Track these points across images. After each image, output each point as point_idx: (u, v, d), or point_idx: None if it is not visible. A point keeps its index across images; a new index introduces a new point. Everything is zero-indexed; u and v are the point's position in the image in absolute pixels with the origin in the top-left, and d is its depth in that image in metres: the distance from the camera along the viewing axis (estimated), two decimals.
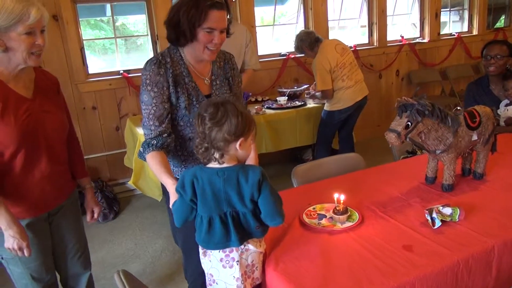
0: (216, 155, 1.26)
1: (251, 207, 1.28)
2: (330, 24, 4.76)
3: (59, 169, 1.67)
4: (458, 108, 1.73)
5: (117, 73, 3.83)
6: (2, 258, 1.60)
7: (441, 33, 5.43)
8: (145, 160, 1.64)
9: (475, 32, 5.66)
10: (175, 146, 1.71)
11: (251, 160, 1.92)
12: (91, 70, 3.81)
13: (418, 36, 5.38)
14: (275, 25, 4.71)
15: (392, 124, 1.61)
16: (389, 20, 5.15)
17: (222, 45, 2.54)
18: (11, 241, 1.49)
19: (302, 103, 3.82)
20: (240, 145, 1.27)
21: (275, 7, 4.59)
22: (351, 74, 3.50)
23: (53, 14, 3.45)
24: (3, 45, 1.41)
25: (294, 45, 3.66)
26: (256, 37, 4.34)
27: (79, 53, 3.62)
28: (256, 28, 4.33)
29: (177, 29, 1.59)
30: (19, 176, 1.54)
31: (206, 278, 1.35)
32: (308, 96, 3.87)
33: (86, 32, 4.10)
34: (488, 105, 2.74)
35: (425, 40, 5.30)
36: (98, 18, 4.27)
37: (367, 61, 4.93)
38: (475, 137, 1.71)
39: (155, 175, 1.62)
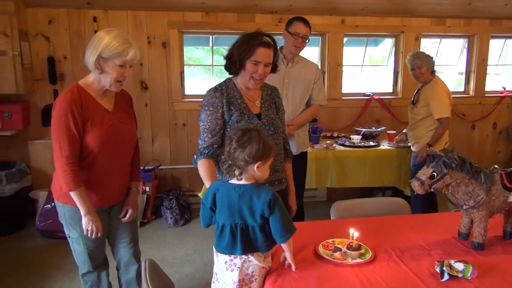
0: (236, 172, 1.48)
1: (261, 222, 1.46)
2: None
3: (126, 170, 2.04)
4: (496, 166, 1.68)
5: None
6: (69, 236, 1.99)
7: None
8: (196, 165, 1.93)
9: None
10: None
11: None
12: (188, 92, 4.33)
13: None
14: (363, 65, 4.79)
15: (418, 173, 1.65)
16: (491, 69, 4.87)
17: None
18: (90, 224, 1.87)
19: (376, 144, 3.83)
20: (257, 167, 1.46)
21: (365, 49, 4.70)
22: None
23: (163, 41, 4.06)
24: (101, 68, 1.83)
25: (411, 57, 3.37)
26: (342, 75, 4.49)
27: (178, 76, 4.15)
28: (344, 67, 4.48)
29: (231, 60, 1.94)
30: (97, 173, 1.93)
31: (213, 275, 1.56)
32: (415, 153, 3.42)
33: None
34: None
35: None
36: (208, 47, 4.82)
37: (459, 110, 4.71)
38: None
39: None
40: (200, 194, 3.52)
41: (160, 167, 4.21)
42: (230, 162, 1.47)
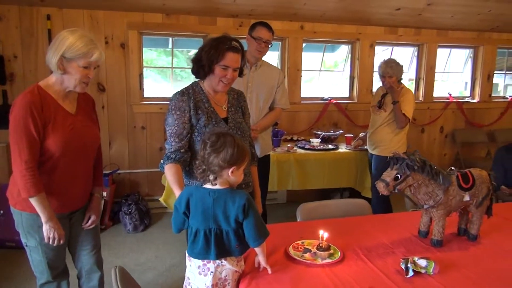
0: (211, 177, 1.47)
1: (235, 226, 1.46)
2: (376, 75, 4.90)
3: (88, 175, 1.97)
4: (452, 168, 1.80)
5: (168, 99, 4.21)
6: (26, 245, 1.89)
7: (492, 94, 5.34)
8: (163, 170, 1.90)
9: None
10: (193, 162, 1.95)
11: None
12: (147, 94, 4.24)
13: (468, 95, 5.34)
14: (321, 70, 4.93)
15: (383, 174, 1.73)
16: (438, 76, 5.18)
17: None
18: (51, 231, 1.79)
19: (335, 147, 3.95)
20: (232, 172, 1.47)
21: (323, 54, 4.84)
22: None
23: (121, 42, 3.95)
24: (63, 69, 1.75)
25: (384, 65, 3.41)
26: (301, 80, 4.59)
27: (137, 78, 4.06)
28: (302, 71, 4.58)
29: (199, 64, 1.93)
30: (59, 178, 1.84)
31: (185, 279, 1.54)
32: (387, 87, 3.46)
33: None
34: None
35: (475, 100, 5.24)
36: (161, 49, 4.75)
37: None
38: (467, 198, 1.77)
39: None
40: (161, 199, 3.45)
41: (118, 171, 4.09)
42: (204, 167, 1.47)
